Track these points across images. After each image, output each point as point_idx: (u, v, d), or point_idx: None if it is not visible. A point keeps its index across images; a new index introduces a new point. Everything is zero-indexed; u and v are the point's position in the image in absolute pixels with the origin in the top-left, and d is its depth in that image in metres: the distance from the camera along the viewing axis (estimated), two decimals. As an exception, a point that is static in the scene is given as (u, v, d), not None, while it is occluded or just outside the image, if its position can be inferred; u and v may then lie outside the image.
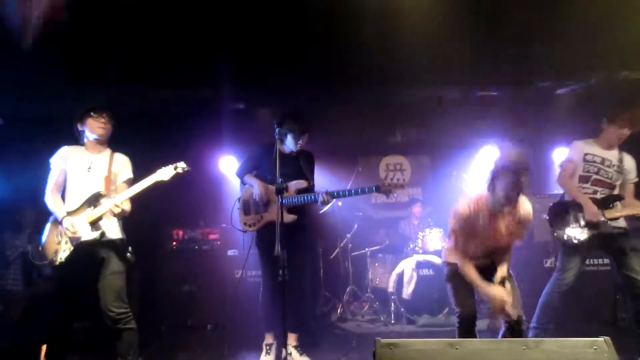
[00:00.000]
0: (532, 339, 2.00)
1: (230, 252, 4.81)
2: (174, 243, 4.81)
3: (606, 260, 4.24)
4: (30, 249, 4.08)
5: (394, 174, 6.34)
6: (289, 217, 3.18)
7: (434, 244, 4.92)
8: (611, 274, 3.96)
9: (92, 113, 2.75)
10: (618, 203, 3.17)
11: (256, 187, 3.32)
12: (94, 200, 2.69)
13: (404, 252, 5.07)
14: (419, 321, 4.41)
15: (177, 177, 2.75)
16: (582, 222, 3.13)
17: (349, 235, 5.21)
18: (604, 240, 3.13)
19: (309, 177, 3.37)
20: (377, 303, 4.88)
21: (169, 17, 3.43)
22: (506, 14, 3.73)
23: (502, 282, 2.62)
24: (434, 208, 5.73)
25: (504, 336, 2.61)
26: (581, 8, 3.61)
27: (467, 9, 3.65)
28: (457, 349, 1.64)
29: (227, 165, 5.38)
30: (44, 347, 2.57)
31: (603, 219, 3.09)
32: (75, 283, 2.66)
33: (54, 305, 2.65)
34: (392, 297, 4.63)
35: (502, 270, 2.64)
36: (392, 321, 4.58)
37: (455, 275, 2.74)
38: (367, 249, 5.20)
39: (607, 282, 4.10)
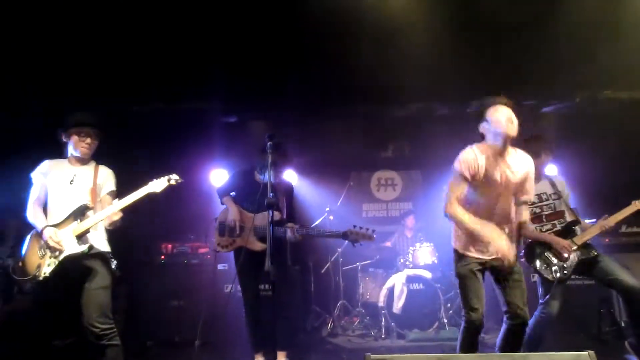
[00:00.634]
0: (520, 353, 2.01)
1: (220, 267, 4.76)
2: (163, 257, 4.74)
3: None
4: (10, 263, 3.97)
5: (386, 188, 6.41)
6: (258, 246, 3.25)
7: (424, 258, 4.94)
8: (595, 289, 4.02)
9: (78, 130, 2.70)
10: (577, 227, 3.19)
11: (231, 213, 3.39)
12: (80, 213, 2.63)
13: (394, 267, 5.07)
14: (409, 336, 4.39)
15: (167, 190, 2.73)
16: (558, 258, 3.11)
17: (339, 250, 5.20)
18: (584, 265, 3.11)
19: (284, 210, 3.42)
20: (368, 317, 4.86)
21: (161, 30, 3.47)
22: (494, 35, 3.85)
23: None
24: (424, 223, 5.76)
25: (504, 335, 2.56)
26: (566, 29, 3.75)
27: (457, 29, 3.76)
28: (446, 363, 1.64)
29: (218, 179, 5.37)
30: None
31: (575, 247, 3.07)
32: (59, 299, 2.59)
33: (34, 322, 2.57)
34: (383, 311, 4.61)
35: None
36: (383, 336, 4.56)
37: (468, 273, 2.56)
38: (358, 264, 5.19)
39: (591, 296, 4.15)
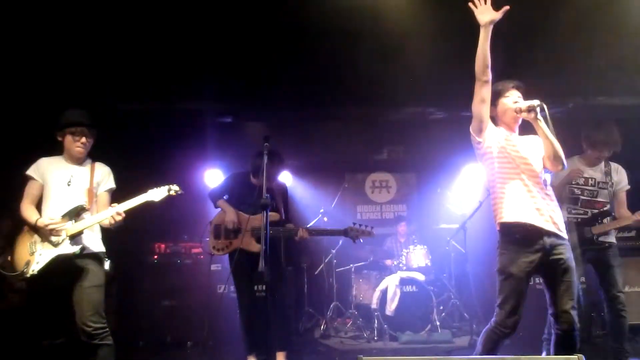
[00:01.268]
0: (511, 356, 2.01)
1: (213, 267, 4.74)
2: (156, 256, 4.72)
3: (582, 279, 4.34)
4: (1, 260, 3.94)
5: (380, 190, 6.43)
6: (255, 247, 3.25)
7: (417, 260, 4.95)
8: (587, 292, 4.04)
9: (71, 131, 2.68)
10: (607, 219, 3.22)
11: (229, 214, 3.38)
12: (75, 213, 2.61)
13: (388, 269, 5.08)
14: (402, 338, 4.40)
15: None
16: (573, 241, 3.14)
17: (333, 251, 5.20)
18: (593, 254, 3.22)
19: (280, 211, 3.44)
20: (361, 319, 4.86)
21: (155, 28, 3.45)
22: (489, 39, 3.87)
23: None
24: (418, 225, 5.78)
25: (556, 344, 2.31)
26: (559, 34, 3.78)
27: (452, 33, 3.78)
28: (437, 365, 1.64)
29: (213, 179, 5.36)
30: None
31: (590, 235, 3.15)
32: (48, 297, 2.57)
33: (24, 321, 2.56)
34: (376, 313, 4.62)
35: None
36: (375, 338, 4.56)
37: (514, 271, 2.25)
38: (351, 265, 5.20)
39: (583, 300, 4.17)
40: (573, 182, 3.28)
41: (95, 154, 2.88)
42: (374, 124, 5.65)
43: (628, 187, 3.34)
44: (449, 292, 5.04)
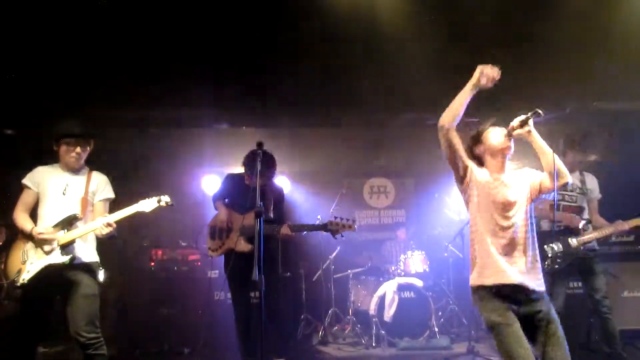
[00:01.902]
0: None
1: (211, 274, 4.73)
2: (152, 263, 4.70)
3: (580, 284, 4.34)
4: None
5: (378, 196, 6.42)
6: (246, 247, 3.25)
7: (415, 266, 4.94)
8: (585, 298, 4.03)
9: (66, 141, 2.69)
10: (589, 226, 3.33)
11: (220, 214, 3.44)
12: (67, 222, 2.61)
13: (386, 274, 5.06)
14: (400, 344, 4.37)
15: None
16: (559, 252, 3.28)
17: (331, 257, 5.19)
18: (579, 262, 3.30)
19: (270, 210, 3.44)
20: (359, 326, 4.83)
21: (151, 35, 3.47)
22: (485, 46, 3.89)
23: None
24: (416, 230, 5.77)
25: None
26: (557, 40, 3.79)
27: (449, 40, 3.80)
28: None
29: (210, 185, 5.35)
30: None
31: (576, 244, 3.25)
32: (38, 306, 2.56)
33: (18, 328, 2.55)
34: (374, 319, 4.59)
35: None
36: (374, 344, 4.53)
37: (502, 320, 2.05)
38: (349, 271, 5.18)
39: (581, 305, 4.15)
40: None
41: (92, 162, 2.88)
42: (372, 129, 5.67)
43: (600, 196, 3.47)
44: (447, 297, 5.02)
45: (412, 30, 3.69)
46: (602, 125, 5.14)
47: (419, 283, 4.73)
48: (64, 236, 2.59)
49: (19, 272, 2.52)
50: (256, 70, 4.04)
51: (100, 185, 2.81)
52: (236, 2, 3.38)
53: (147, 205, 2.68)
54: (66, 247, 2.58)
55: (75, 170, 2.76)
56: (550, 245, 3.30)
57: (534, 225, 2.24)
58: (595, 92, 4.74)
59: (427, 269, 4.95)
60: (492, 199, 2.21)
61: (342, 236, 3.30)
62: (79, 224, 2.64)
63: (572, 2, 3.58)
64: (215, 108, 4.42)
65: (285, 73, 4.12)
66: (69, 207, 2.66)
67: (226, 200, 3.56)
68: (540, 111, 2.17)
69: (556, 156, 2.18)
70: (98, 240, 2.80)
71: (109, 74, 3.76)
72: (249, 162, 3.31)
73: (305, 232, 4.99)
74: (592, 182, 3.46)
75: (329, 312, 5.05)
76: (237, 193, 3.42)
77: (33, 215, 2.69)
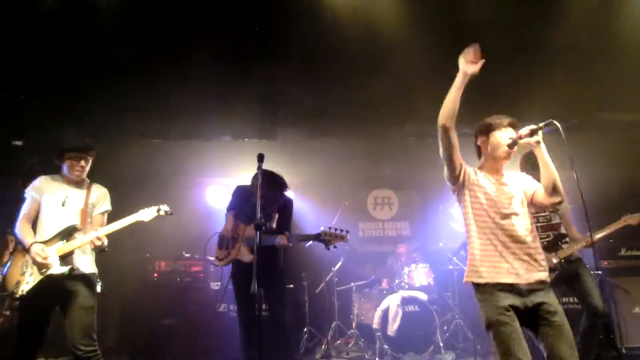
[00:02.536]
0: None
1: (213, 285, 4.71)
2: (155, 274, 4.70)
3: (573, 298, 4.26)
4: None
5: (382, 207, 6.38)
6: (248, 257, 3.27)
7: (419, 279, 4.87)
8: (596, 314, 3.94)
9: (71, 156, 2.72)
10: (565, 241, 3.27)
11: (227, 224, 3.47)
12: (67, 233, 2.63)
13: (389, 288, 5.00)
14: (404, 359, 4.29)
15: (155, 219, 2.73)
16: None
17: (334, 269, 5.14)
18: (565, 274, 3.22)
19: (274, 220, 3.46)
20: (363, 340, 4.76)
21: (153, 49, 3.53)
22: (490, 57, 3.87)
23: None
24: (421, 242, 5.71)
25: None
26: (563, 51, 3.78)
27: (453, 52, 3.79)
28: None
29: (213, 196, 5.36)
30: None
31: (557, 260, 3.18)
32: (37, 318, 2.56)
33: (18, 339, 2.54)
34: (377, 333, 4.52)
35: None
36: (377, 359, 4.46)
37: (501, 319, 2.01)
38: (352, 284, 5.13)
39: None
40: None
41: (96, 174, 2.91)
42: (376, 141, 5.66)
43: (569, 206, 3.41)
44: (452, 311, 4.94)
45: (416, 41, 3.70)
46: (608, 136, 5.09)
47: (423, 296, 4.66)
48: (62, 247, 2.60)
49: (18, 283, 2.53)
50: (259, 83, 4.08)
51: (100, 198, 2.84)
52: (240, 15, 3.43)
53: (146, 214, 2.71)
54: (65, 258, 2.59)
55: (75, 183, 2.79)
56: None
57: (530, 219, 2.20)
58: (601, 102, 4.70)
59: (432, 282, 4.87)
60: (487, 197, 2.19)
61: (335, 247, 3.26)
62: (77, 235, 2.65)
63: (578, 11, 3.57)
64: (218, 120, 4.45)
65: (289, 85, 4.15)
66: (68, 218, 2.68)
67: (234, 211, 3.57)
68: (555, 122, 2.09)
69: (556, 173, 2.12)
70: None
71: (113, 86, 3.81)
72: (253, 182, 3.37)
73: (308, 244, 5.01)
74: None
75: (332, 325, 4.99)
76: (244, 204, 3.45)
77: (33, 224, 2.71)
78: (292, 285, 4.87)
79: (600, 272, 4.48)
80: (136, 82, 3.81)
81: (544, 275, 2.12)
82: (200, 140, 4.93)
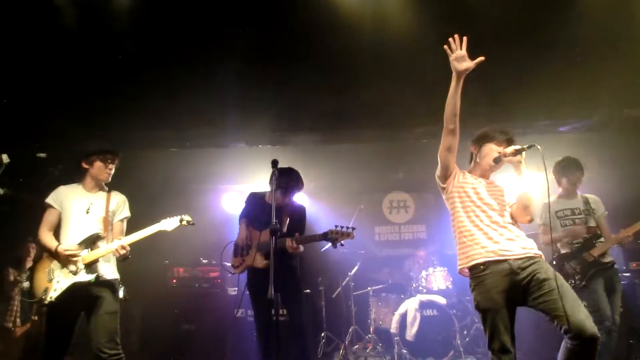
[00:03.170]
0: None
1: (231, 291, 4.76)
2: (174, 280, 4.79)
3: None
4: (26, 286, 4.09)
5: (398, 210, 6.33)
6: (261, 263, 3.31)
7: (438, 283, 4.80)
8: (624, 317, 3.81)
9: (103, 157, 2.81)
10: (599, 241, 3.44)
11: (240, 232, 3.51)
12: (91, 242, 2.70)
13: (407, 292, 4.95)
14: (423, 365, 4.25)
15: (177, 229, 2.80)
16: (578, 268, 3.39)
17: (350, 274, 5.13)
18: (602, 274, 3.35)
19: (284, 226, 3.46)
20: (381, 344, 4.73)
21: (168, 59, 3.61)
22: (506, 54, 3.82)
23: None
24: (438, 246, 5.64)
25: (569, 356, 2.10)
26: (584, 46, 3.69)
27: (467, 48, 3.75)
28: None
29: (229, 203, 5.42)
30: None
31: (593, 258, 3.36)
32: (65, 323, 2.64)
33: (45, 344, 2.63)
34: (396, 338, 4.49)
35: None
36: (395, 364, 4.42)
37: (490, 306, 2.16)
38: (369, 288, 5.10)
39: (620, 325, 3.92)
40: (562, 216, 3.54)
41: (115, 183, 2.98)
42: (390, 143, 5.62)
43: (606, 212, 3.60)
44: (472, 315, 4.85)
45: (428, 42, 3.66)
46: (630, 134, 4.93)
47: (441, 300, 4.60)
48: (87, 255, 2.67)
49: (46, 290, 2.61)
50: (273, 89, 4.11)
51: (120, 205, 2.91)
52: (256, 24, 3.48)
53: (169, 224, 2.79)
54: (91, 266, 2.67)
55: (96, 190, 2.86)
56: (569, 263, 3.43)
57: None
58: (625, 99, 4.55)
59: (450, 286, 4.81)
60: (472, 194, 2.37)
61: (342, 244, 3.30)
62: (101, 243, 2.72)
63: (598, 6, 3.50)
64: (233, 127, 4.50)
65: (303, 91, 4.17)
66: (92, 226, 2.76)
67: (247, 219, 3.61)
68: (538, 147, 2.25)
69: (532, 194, 2.32)
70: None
71: (132, 97, 3.91)
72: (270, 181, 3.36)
73: (323, 249, 5.02)
74: (595, 202, 3.60)
75: (350, 330, 4.97)
76: (257, 211, 3.49)
77: (55, 234, 2.78)
78: (308, 291, 4.88)
79: (629, 274, 4.39)
80: (153, 93, 3.89)
81: (531, 249, 2.27)
82: (216, 148, 4.99)
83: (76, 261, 2.62)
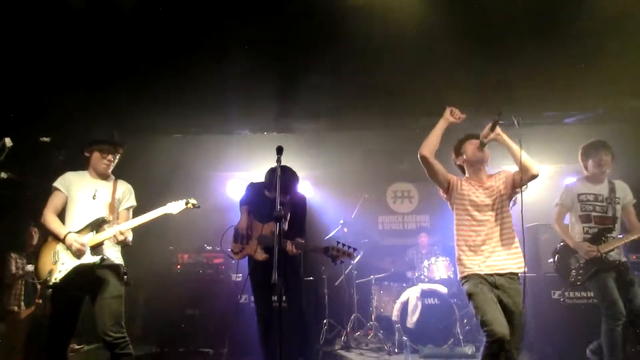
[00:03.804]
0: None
1: (235, 277, 4.81)
2: (179, 266, 4.83)
3: (581, 294, 4.16)
4: (30, 269, 4.14)
5: (402, 200, 6.35)
6: (261, 256, 3.35)
7: (440, 272, 4.84)
8: (590, 308, 3.84)
9: (100, 148, 2.80)
10: (610, 236, 3.26)
11: (241, 221, 3.51)
12: (97, 225, 2.72)
13: (409, 280, 4.99)
14: (424, 351, 4.30)
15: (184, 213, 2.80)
16: (581, 262, 3.28)
17: (353, 262, 5.17)
18: (610, 272, 3.19)
19: (291, 221, 3.46)
20: (382, 332, 4.79)
21: (176, 47, 3.60)
22: (512, 45, 3.79)
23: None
24: (441, 236, 5.66)
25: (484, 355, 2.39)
26: (590, 36, 3.65)
27: (473, 39, 3.72)
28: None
29: (234, 190, 5.44)
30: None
31: (597, 254, 3.19)
32: (69, 305, 2.66)
33: (50, 327, 2.64)
34: (397, 325, 4.54)
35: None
36: (396, 350, 4.48)
37: (478, 286, 2.43)
38: (371, 277, 5.14)
39: (586, 315, 3.95)
40: (584, 200, 3.38)
41: (122, 169, 3.00)
42: (395, 133, 5.61)
43: (634, 200, 3.42)
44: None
45: (434, 33, 3.63)
46: (637, 126, 4.89)
47: (443, 289, 4.64)
48: (93, 238, 2.69)
49: (51, 272, 2.63)
50: (278, 76, 4.09)
51: (126, 194, 2.93)
52: (260, 11, 3.45)
53: (175, 207, 2.78)
54: (96, 248, 2.69)
55: (102, 178, 2.88)
56: (575, 255, 3.32)
57: (509, 219, 2.57)
58: (630, 90, 4.51)
59: (452, 275, 4.84)
60: (471, 203, 2.58)
61: (342, 262, 3.34)
62: (107, 227, 2.74)
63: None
64: (237, 114, 4.50)
65: (308, 78, 4.15)
66: (98, 211, 2.78)
67: (247, 206, 3.62)
68: (500, 112, 2.52)
69: (524, 152, 2.47)
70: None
71: (137, 83, 3.91)
72: (269, 177, 3.38)
73: (327, 237, 5.05)
74: (622, 189, 3.41)
75: (352, 317, 5.03)
76: (258, 202, 3.50)
77: (60, 218, 2.79)
78: (312, 278, 4.92)
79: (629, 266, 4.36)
80: (157, 78, 3.89)
81: (519, 268, 2.49)
82: (220, 135, 4.99)
83: (82, 251, 2.64)
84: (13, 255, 4.33)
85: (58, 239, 2.68)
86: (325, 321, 4.99)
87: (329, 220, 5.55)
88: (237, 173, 5.44)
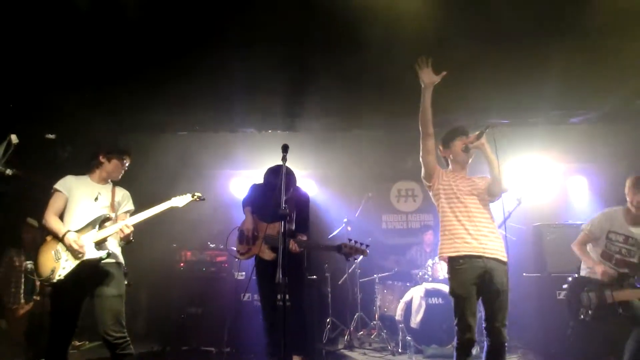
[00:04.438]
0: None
1: (238, 276, 4.80)
2: (182, 264, 4.82)
3: None
4: (30, 266, 4.14)
5: (406, 199, 6.33)
6: (268, 255, 3.36)
7: (443, 271, 4.81)
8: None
9: (121, 158, 2.88)
10: (630, 283, 3.02)
11: (246, 222, 3.53)
12: (99, 222, 2.72)
13: (413, 280, 4.97)
14: (427, 351, 4.28)
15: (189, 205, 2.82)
16: (594, 303, 3.08)
17: (357, 261, 5.14)
18: (609, 323, 3.08)
19: (292, 222, 3.48)
20: (385, 331, 4.77)
21: (180, 45, 3.60)
22: (517, 44, 3.77)
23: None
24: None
25: (486, 354, 2.59)
26: (595, 34, 3.62)
27: (477, 40, 3.71)
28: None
29: (237, 188, 5.43)
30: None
31: (614, 273, 3.05)
32: (72, 302, 2.66)
33: (51, 324, 2.64)
34: (400, 325, 4.52)
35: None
36: (400, 350, 4.46)
37: (463, 293, 2.54)
38: (375, 276, 5.12)
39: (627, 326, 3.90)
40: (613, 239, 3.15)
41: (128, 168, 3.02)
42: (399, 132, 5.59)
43: None
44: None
45: (437, 30, 3.62)
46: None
47: (447, 289, 4.60)
48: (96, 234, 2.70)
49: (53, 270, 2.61)
50: (283, 75, 4.08)
51: (124, 198, 2.96)
52: (265, 8, 3.44)
53: (180, 200, 2.82)
54: (100, 244, 2.69)
55: (102, 182, 2.92)
56: (588, 293, 3.13)
57: (490, 213, 2.69)
58: (635, 89, 4.48)
59: (456, 275, 4.81)
60: (455, 190, 2.69)
61: (356, 259, 3.32)
62: (108, 224, 2.75)
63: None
64: (243, 112, 4.49)
65: (312, 77, 4.14)
66: (100, 212, 2.79)
67: (251, 207, 3.63)
68: (490, 127, 2.68)
69: (499, 167, 2.61)
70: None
71: (141, 80, 3.90)
72: (268, 178, 3.39)
73: (330, 235, 5.03)
74: None
75: (355, 316, 5.01)
76: (262, 202, 3.51)
77: (61, 218, 2.79)
78: (315, 277, 4.91)
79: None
80: (164, 76, 3.89)
81: (502, 254, 2.58)
82: (225, 132, 4.99)
83: (81, 252, 2.62)
84: (14, 250, 4.32)
85: (57, 238, 2.67)
86: (328, 320, 4.98)
87: (333, 218, 5.54)
88: (243, 171, 5.43)
